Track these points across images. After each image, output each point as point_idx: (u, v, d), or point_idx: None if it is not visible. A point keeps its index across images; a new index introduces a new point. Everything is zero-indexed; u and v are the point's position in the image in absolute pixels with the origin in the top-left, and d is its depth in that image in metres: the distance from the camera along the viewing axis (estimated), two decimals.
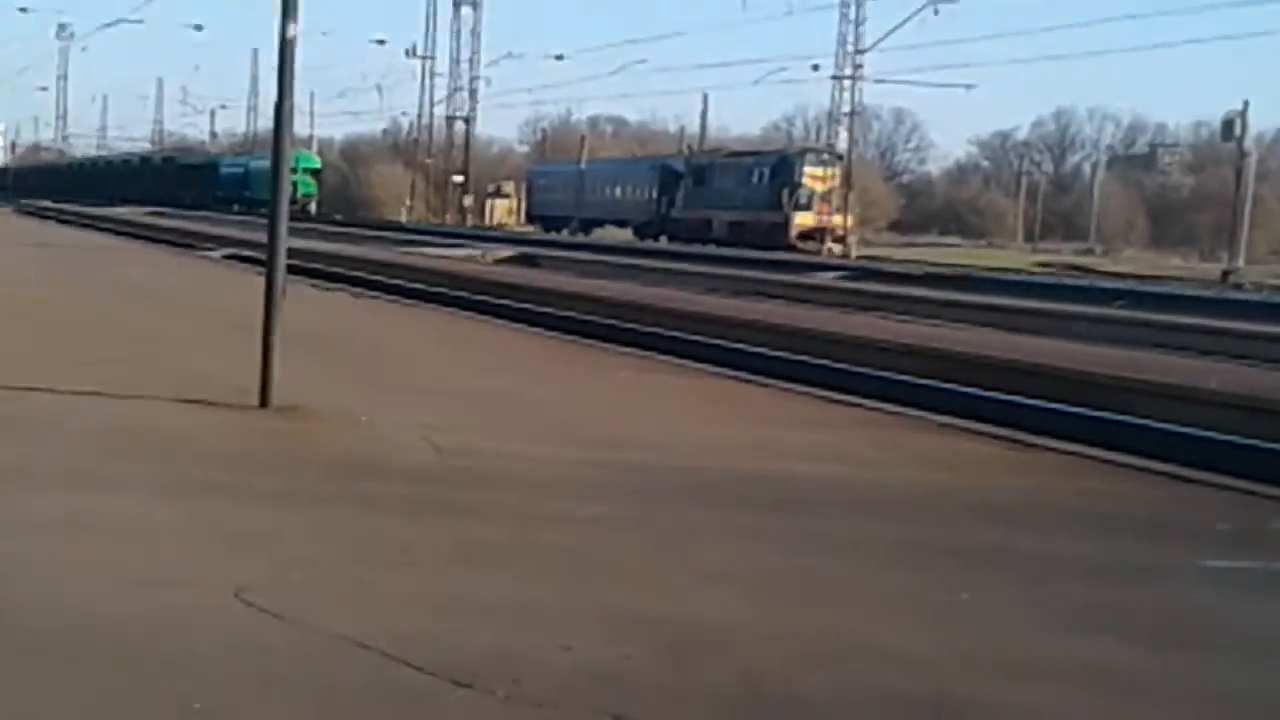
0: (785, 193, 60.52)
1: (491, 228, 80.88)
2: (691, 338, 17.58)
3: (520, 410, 10.23)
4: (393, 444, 8.41)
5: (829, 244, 59.10)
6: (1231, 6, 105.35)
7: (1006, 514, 7.21)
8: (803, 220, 60.17)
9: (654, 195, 69.28)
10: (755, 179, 62.83)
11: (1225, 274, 46.97)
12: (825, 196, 61.21)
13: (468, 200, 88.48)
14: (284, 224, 9.69)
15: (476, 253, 40.07)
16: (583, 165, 79.44)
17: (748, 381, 12.48)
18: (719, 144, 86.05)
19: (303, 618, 4.84)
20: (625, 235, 69.33)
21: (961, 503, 7.42)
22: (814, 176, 61.30)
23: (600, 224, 73.27)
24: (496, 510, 6.69)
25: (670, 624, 4.99)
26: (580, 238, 67.28)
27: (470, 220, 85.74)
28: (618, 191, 73.33)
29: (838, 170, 63.54)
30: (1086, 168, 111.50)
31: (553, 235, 68.46)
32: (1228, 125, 54.22)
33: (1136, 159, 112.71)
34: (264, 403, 9.30)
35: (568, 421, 9.85)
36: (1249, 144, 53.73)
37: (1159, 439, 11.23)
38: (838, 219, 61.35)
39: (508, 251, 41.89)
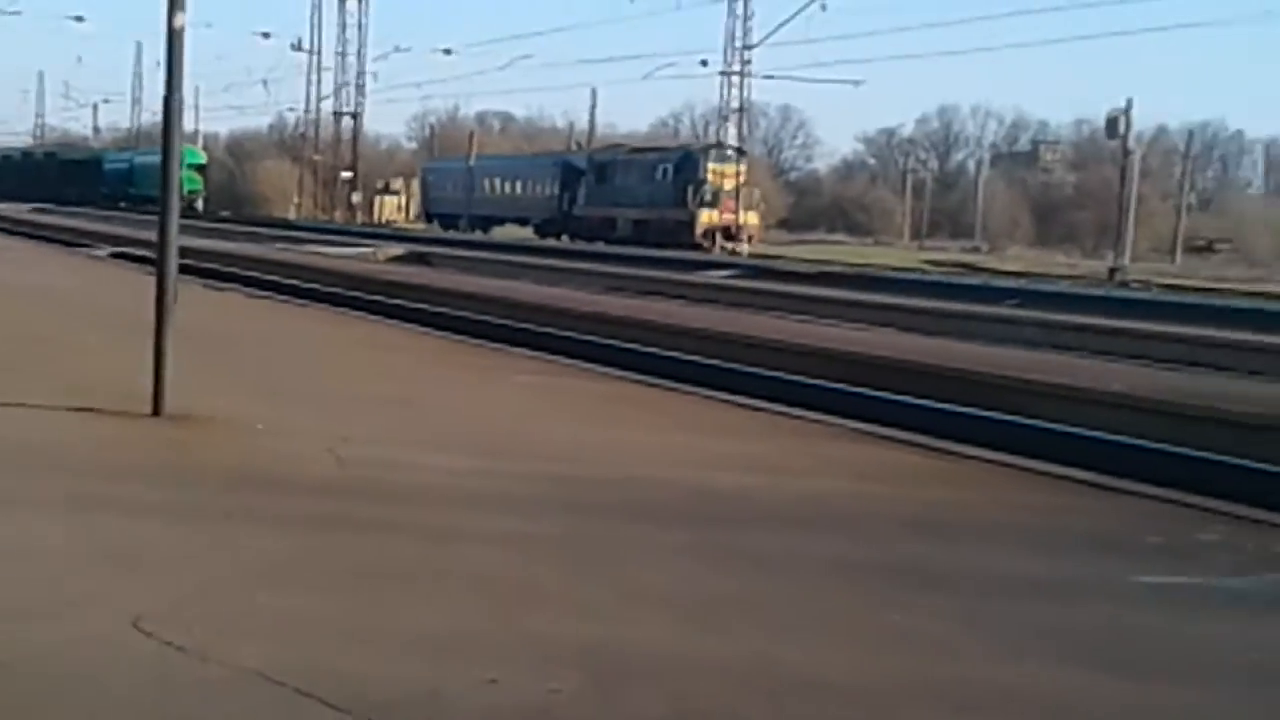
0: (690, 190, 59.21)
1: (381, 225, 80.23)
2: (588, 338, 17.34)
3: (422, 417, 9.92)
4: (293, 454, 8.06)
5: (742, 242, 57.77)
6: (1111, 4, 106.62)
7: (938, 528, 6.98)
8: (708, 218, 58.83)
9: (555, 192, 67.50)
10: (659, 175, 61.38)
11: (1112, 272, 47.30)
12: (731, 193, 59.44)
13: (356, 197, 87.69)
14: (174, 221, 9.31)
15: (367, 250, 39.57)
16: (479, 161, 78.45)
17: (653, 385, 12.23)
18: (607, 140, 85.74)
19: (207, 649, 4.52)
20: (525, 234, 67.88)
21: (891, 516, 7.18)
22: (718, 173, 59.80)
23: (499, 222, 71.70)
24: (408, 527, 6.38)
25: (598, 652, 4.72)
26: (476, 235, 66.29)
27: (359, 217, 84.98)
28: (517, 188, 71.46)
29: (743, 166, 61.89)
30: (971, 165, 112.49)
31: (448, 234, 67.38)
32: (1112, 123, 54.65)
33: (1019, 156, 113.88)
34: (156, 410, 8.92)
35: (472, 429, 9.54)
36: (1132, 142, 54.22)
37: (1075, 445, 11.11)
38: (745, 216, 59.75)
39: (399, 249, 41.42)
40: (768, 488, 7.86)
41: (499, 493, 7.35)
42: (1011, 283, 36.81)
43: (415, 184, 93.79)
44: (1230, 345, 19.76)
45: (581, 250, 51.66)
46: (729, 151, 63.47)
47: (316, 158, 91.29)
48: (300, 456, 7.97)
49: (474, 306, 21.16)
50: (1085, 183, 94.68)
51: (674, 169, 60.97)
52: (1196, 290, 37.52)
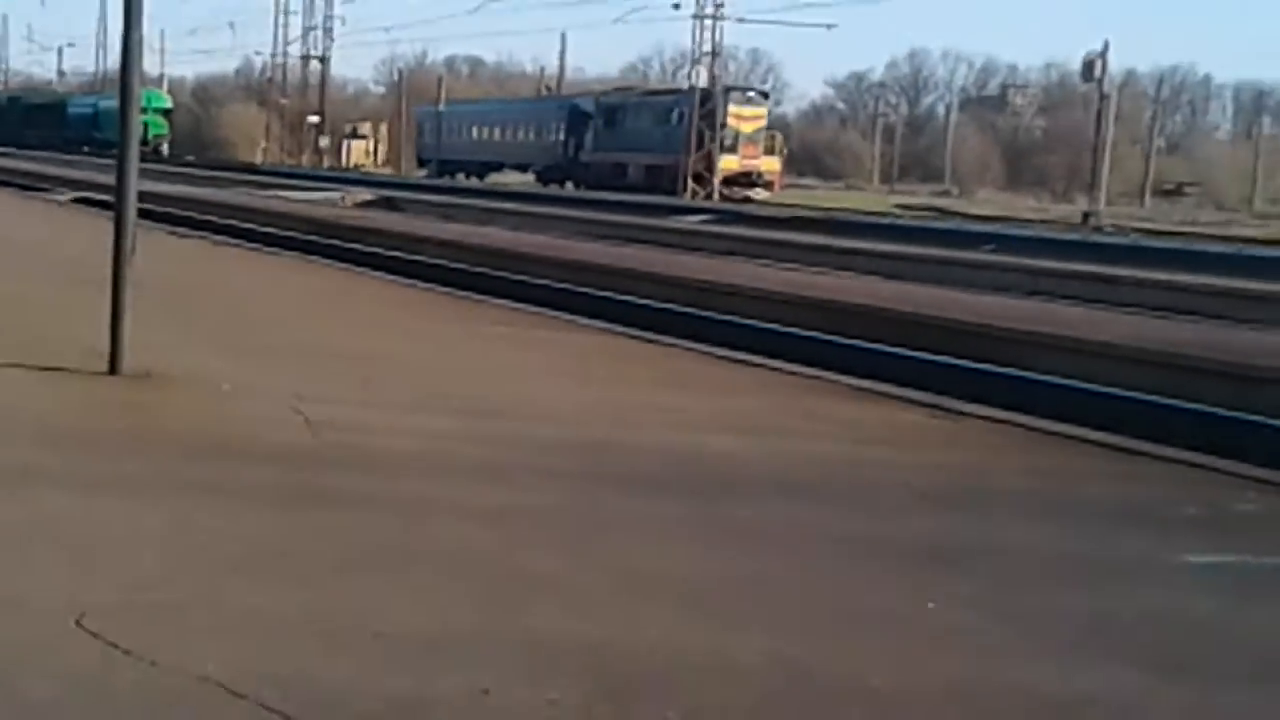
0: (709, 134, 56.53)
1: (349, 169, 79.34)
2: (566, 286, 16.84)
3: (398, 373, 9.39)
4: (260, 418, 7.52)
5: (763, 189, 55.97)
6: None
7: (953, 498, 6.49)
8: (728, 164, 56.09)
9: (560, 137, 64.56)
10: (675, 120, 58.25)
11: (1086, 216, 46.96)
12: (752, 138, 56.94)
13: (324, 141, 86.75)
14: (134, 167, 8.73)
15: (335, 196, 38.90)
16: (477, 105, 76.51)
17: (635, 338, 11.75)
18: (577, 84, 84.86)
19: (159, 653, 3.99)
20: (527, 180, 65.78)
21: (901, 485, 6.67)
22: (740, 116, 57.03)
23: (498, 168, 69.29)
24: (386, 500, 5.85)
25: (599, 653, 4.20)
26: (453, 181, 64.93)
27: (327, 162, 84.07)
28: (519, 133, 68.66)
29: (765, 110, 59.87)
30: (940, 109, 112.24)
31: (443, 180, 66.07)
32: (1088, 66, 54.22)
33: (989, 100, 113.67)
34: (114, 369, 8.39)
35: (451, 386, 9.02)
36: (1106, 86, 53.79)
37: (1080, 400, 10.67)
38: (766, 162, 57.10)
39: (367, 195, 40.74)
40: (764, 452, 7.37)
41: (482, 459, 6.84)
42: (986, 227, 36.39)
43: (384, 129, 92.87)
44: (1217, 292, 19.39)
45: (553, 195, 51.14)
46: (751, 93, 61.42)
47: (283, 102, 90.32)
48: (268, 420, 7.43)
49: (445, 253, 20.66)
50: (1055, 127, 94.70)
51: (691, 113, 57.80)
52: (1173, 234, 37.19)
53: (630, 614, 4.61)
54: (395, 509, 5.75)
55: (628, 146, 59.84)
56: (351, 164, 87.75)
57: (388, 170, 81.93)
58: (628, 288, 16.86)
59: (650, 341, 11.58)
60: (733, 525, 5.76)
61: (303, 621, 4.36)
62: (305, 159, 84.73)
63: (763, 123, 58.19)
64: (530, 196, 47.11)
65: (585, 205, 40.32)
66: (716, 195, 54.67)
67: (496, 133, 70.66)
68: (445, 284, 15.88)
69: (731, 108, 57.15)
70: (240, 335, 10.92)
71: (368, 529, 5.43)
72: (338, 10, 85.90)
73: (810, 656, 4.29)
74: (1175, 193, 76.67)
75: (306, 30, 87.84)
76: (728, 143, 56.38)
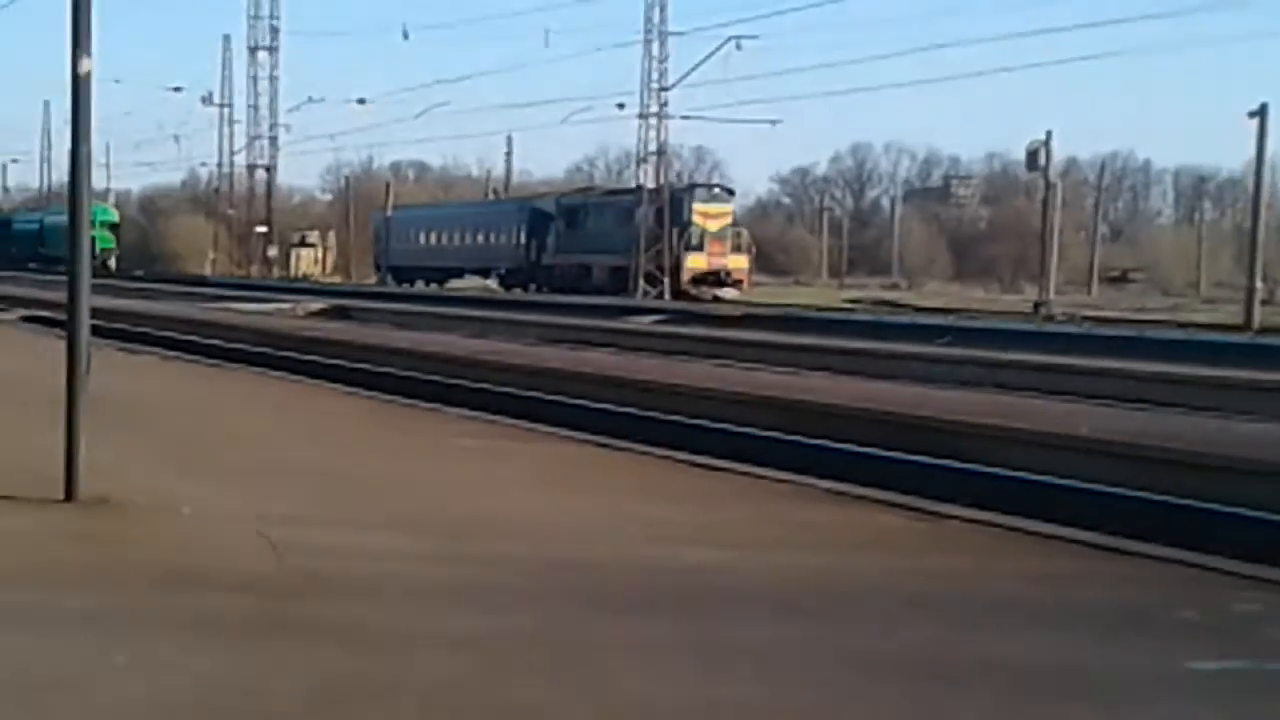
0: (674, 233, 55.52)
1: (298, 278, 79.09)
2: (528, 394, 16.65)
3: (363, 491, 9.15)
4: (224, 543, 7.27)
5: (731, 288, 54.24)
6: (1017, 38, 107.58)
7: (946, 607, 6.28)
8: (695, 262, 54.80)
9: (521, 240, 63.19)
10: (639, 220, 57.22)
11: (1037, 305, 47.16)
12: (719, 235, 55.60)
13: (272, 251, 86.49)
14: (86, 283, 8.51)
15: (286, 306, 38.69)
16: (436, 209, 75.68)
17: (602, 445, 11.53)
18: (524, 187, 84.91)
19: None
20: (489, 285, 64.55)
21: (891, 593, 6.46)
22: (705, 214, 55.79)
23: (459, 273, 67.42)
24: (358, 630, 5.61)
25: None
26: (407, 289, 64.34)
27: (276, 271, 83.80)
28: (479, 237, 67.30)
29: (730, 207, 58.43)
30: (885, 202, 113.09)
31: (402, 288, 65.48)
32: (1032, 155, 54.46)
33: (933, 192, 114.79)
34: (70, 495, 8.12)
35: (420, 503, 8.78)
36: (1051, 174, 54.12)
37: (1060, 498, 10.52)
38: (734, 259, 55.70)
39: (319, 304, 40.55)
40: (747, 564, 7.14)
41: (457, 581, 6.60)
42: (939, 320, 36.46)
43: (332, 236, 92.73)
44: (1173, 380, 19.30)
45: (504, 300, 51.01)
46: (716, 190, 60.13)
47: (230, 212, 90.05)
48: (233, 546, 7.18)
49: (403, 362, 20.46)
50: (999, 216, 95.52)
51: (655, 212, 57.26)
52: (1125, 322, 37.30)
53: None
54: (367, 638, 5.51)
55: (591, 248, 58.79)
56: (301, 273, 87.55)
57: (337, 278, 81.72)
58: (588, 392, 16.68)
59: (617, 449, 11.38)
60: (725, 646, 5.53)
61: None
62: (254, 269, 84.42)
63: (729, 220, 57.19)
64: (482, 301, 46.96)
65: (537, 308, 40.24)
66: (668, 294, 53.79)
67: (456, 237, 69.53)
68: (405, 394, 15.68)
69: (697, 205, 56.29)
70: (198, 454, 10.67)
71: (339, 660, 5.19)
72: (282, 119, 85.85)
73: None
74: (1121, 279, 77.32)
75: (251, 139, 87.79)
76: (694, 241, 55.38)
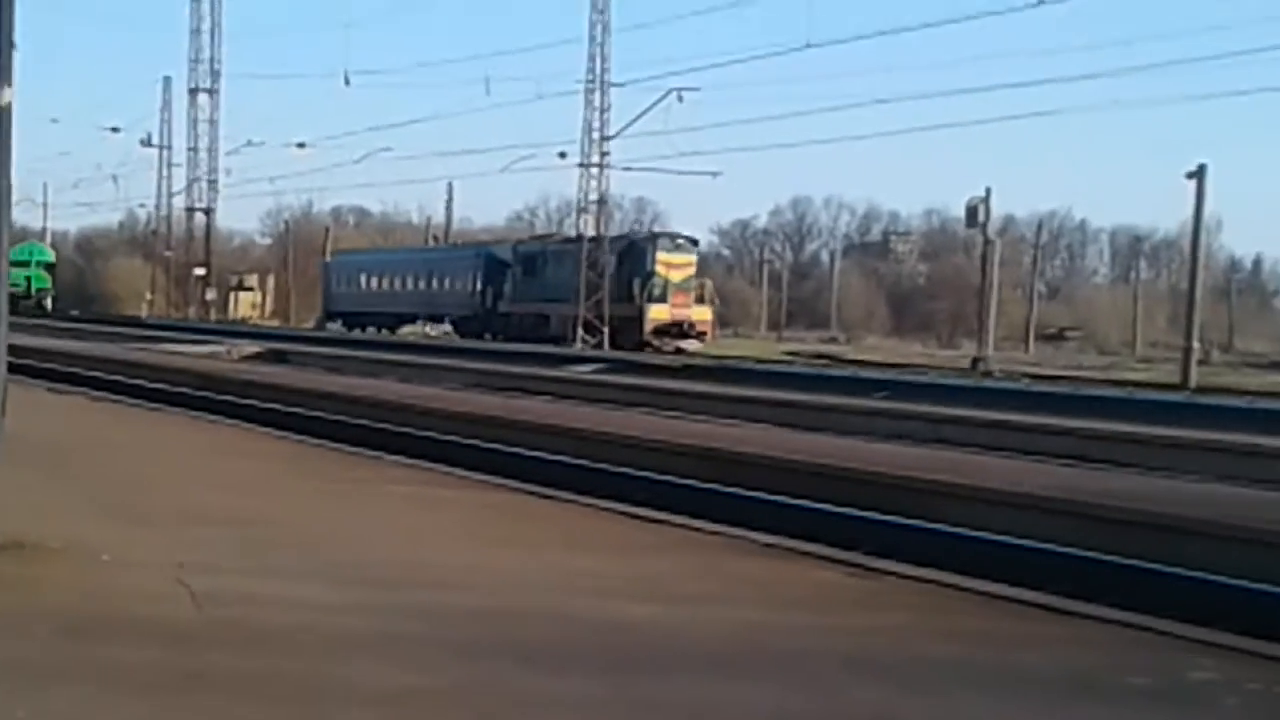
0: (636, 283, 53.35)
1: (236, 321, 78.57)
2: (462, 441, 16.44)
3: (289, 539, 8.91)
4: (143, 591, 7.02)
5: (695, 340, 52.29)
6: (955, 95, 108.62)
7: (888, 669, 6.06)
8: (658, 314, 52.65)
9: (477, 287, 61.71)
10: (599, 269, 55.57)
11: (975, 361, 47.12)
12: (683, 286, 53.63)
13: (211, 294, 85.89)
14: (3, 319, 8.24)
15: (221, 349, 38.33)
16: (389, 254, 74.08)
17: (536, 494, 11.33)
18: (465, 234, 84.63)
19: None
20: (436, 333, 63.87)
21: (828, 653, 6.26)
22: (669, 264, 53.83)
23: (411, 319, 66.58)
24: (277, 684, 5.39)
25: None
26: (344, 333, 63.59)
27: (214, 314, 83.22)
28: (433, 283, 65.51)
29: (694, 257, 56.45)
30: (825, 255, 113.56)
31: (303, 330, 64.93)
32: (971, 212, 54.54)
33: (872, 246, 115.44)
34: None
35: (347, 552, 8.54)
36: (990, 231, 54.28)
37: (1001, 555, 10.39)
38: (697, 311, 53.72)
39: (255, 347, 40.20)
40: (681, 620, 6.94)
41: (381, 633, 6.38)
42: (878, 374, 36.45)
43: (271, 280, 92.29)
44: (1110, 437, 19.26)
45: (442, 346, 50.69)
46: (680, 240, 57.69)
47: (168, 254, 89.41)
48: (151, 593, 6.94)
49: (336, 407, 20.22)
50: (937, 272, 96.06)
51: (616, 260, 55.49)
52: (1063, 379, 37.35)
53: None
54: (285, 692, 5.30)
55: (550, 297, 57.06)
56: (239, 316, 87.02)
57: (275, 321, 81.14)
58: (524, 440, 16.48)
59: (552, 498, 11.18)
60: (653, 706, 5.33)
61: None
62: (192, 311, 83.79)
63: (692, 270, 55.30)
64: (420, 348, 46.70)
65: (475, 355, 39.99)
66: (607, 344, 52.96)
67: (408, 282, 67.85)
68: (338, 439, 15.45)
69: (660, 255, 54.50)
70: (121, 498, 10.40)
71: (255, 717, 4.97)
72: (222, 162, 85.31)
73: None
74: (1057, 337, 77.73)
75: (191, 182, 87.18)
76: (656, 292, 53.31)
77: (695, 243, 59.55)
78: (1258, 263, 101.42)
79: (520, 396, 24.46)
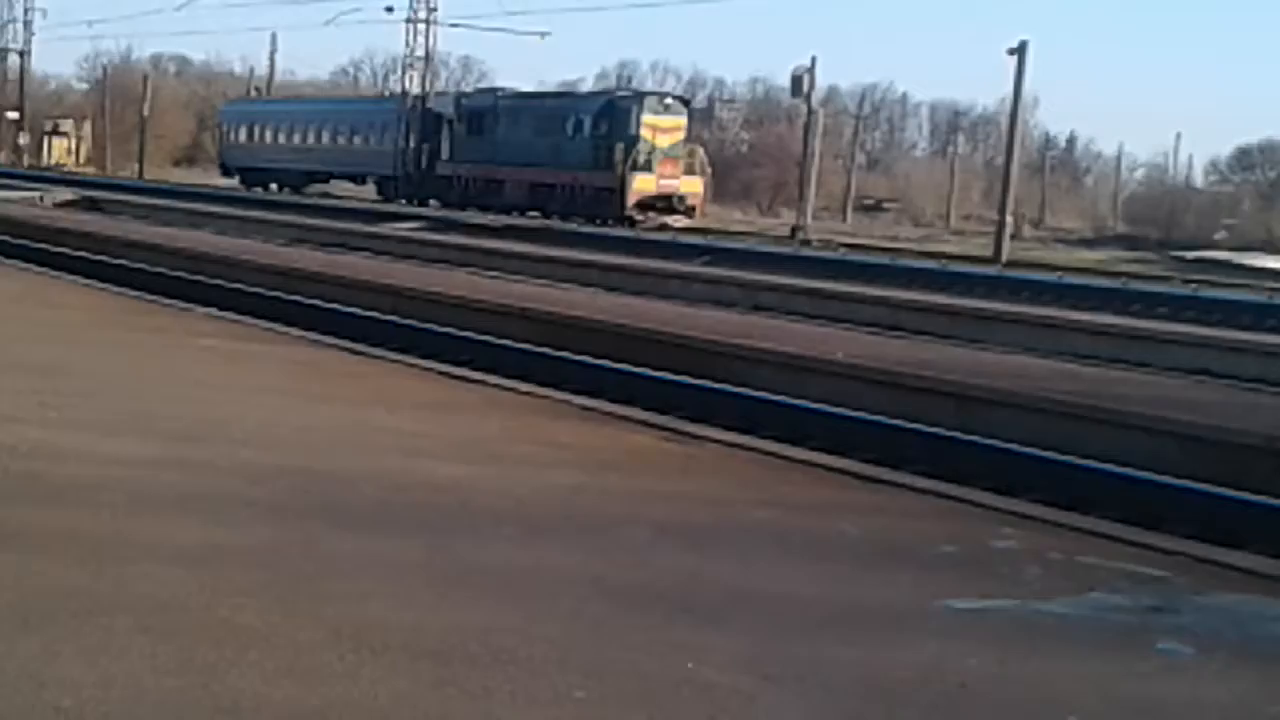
0: (618, 149, 45.67)
1: (50, 168, 76.43)
2: (277, 295, 16.17)
3: (93, 391, 8.69)
4: None
5: (683, 215, 45.80)
6: None
7: (699, 535, 6.04)
8: (643, 184, 45.14)
9: (407, 144, 54.52)
10: (570, 130, 47.78)
11: (794, 230, 46.98)
12: (670, 153, 46.21)
13: (24, 139, 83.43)
14: None
15: (34, 195, 37.26)
16: (299, 104, 66.72)
17: (353, 352, 11.17)
18: (288, 87, 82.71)
19: None
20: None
21: (641, 519, 6.19)
22: (655, 127, 46.08)
23: (324, 178, 59.48)
24: (73, 539, 5.22)
25: None
26: (152, 183, 60.73)
27: (26, 160, 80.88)
28: (354, 139, 58.05)
29: (684, 120, 48.33)
30: None
31: (119, 178, 62.54)
32: (796, 81, 54.31)
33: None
34: None
35: (153, 405, 8.35)
36: (814, 102, 54.34)
37: (813, 421, 10.47)
38: (687, 182, 46.45)
39: (69, 194, 39.13)
40: (494, 481, 6.86)
41: (185, 490, 6.22)
42: (699, 239, 36.45)
43: (87, 126, 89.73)
44: (924, 308, 19.52)
45: (266, 199, 49.66)
46: (669, 100, 49.71)
47: None
48: None
49: (151, 258, 19.80)
50: (760, 140, 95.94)
51: (592, 122, 47.56)
52: (879, 250, 37.65)
53: (354, 677, 4.08)
54: (84, 550, 5.13)
55: (505, 159, 49.28)
56: (53, 162, 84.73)
57: (91, 170, 79.06)
58: (343, 297, 16.26)
59: (369, 356, 11.03)
60: (466, 569, 5.25)
61: None
62: (3, 156, 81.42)
63: (682, 135, 47.74)
64: (239, 200, 45.78)
65: (298, 210, 39.41)
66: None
67: (322, 136, 60.47)
68: (149, 290, 15.11)
69: (646, 117, 46.58)
70: None
71: (51, 574, 4.81)
72: (38, 3, 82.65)
73: None
74: (875, 208, 78.25)
75: (5, 23, 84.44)
76: (641, 160, 45.53)
77: (687, 103, 52.71)
78: (1071, 140, 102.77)
79: (346, 253, 24.15)
